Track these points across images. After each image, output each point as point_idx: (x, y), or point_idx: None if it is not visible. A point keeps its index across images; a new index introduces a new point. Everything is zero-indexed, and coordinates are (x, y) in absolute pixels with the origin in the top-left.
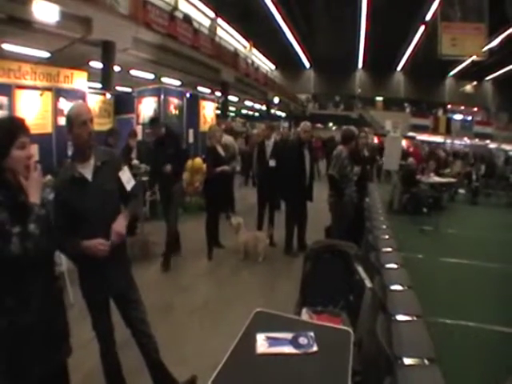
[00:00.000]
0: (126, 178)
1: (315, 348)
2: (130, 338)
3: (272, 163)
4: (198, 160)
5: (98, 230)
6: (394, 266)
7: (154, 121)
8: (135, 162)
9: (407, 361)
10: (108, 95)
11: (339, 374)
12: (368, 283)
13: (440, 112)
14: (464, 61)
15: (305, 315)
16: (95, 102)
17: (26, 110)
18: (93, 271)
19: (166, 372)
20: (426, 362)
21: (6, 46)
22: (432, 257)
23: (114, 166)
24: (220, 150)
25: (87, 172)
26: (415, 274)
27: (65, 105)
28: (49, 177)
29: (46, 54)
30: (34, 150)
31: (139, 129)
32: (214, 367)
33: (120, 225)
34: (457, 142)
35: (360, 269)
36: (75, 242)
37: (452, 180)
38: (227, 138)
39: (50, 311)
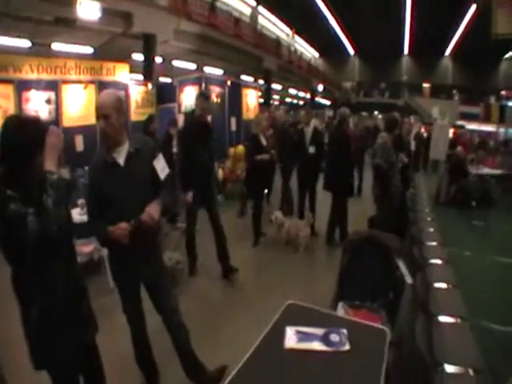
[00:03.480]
0: (161, 167)
1: (347, 347)
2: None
3: (312, 150)
4: (241, 148)
5: (126, 216)
6: (439, 261)
7: (202, 95)
8: (175, 150)
9: (449, 368)
10: (150, 86)
11: (371, 377)
12: (409, 279)
13: (492, 99)
14: None
15: (340, 310)
16: (137, 92)
17: (71, 103)
18: (121, 257)
19: (195, 361)
20: (470, 371)
21: (55, 46)
22: (480, 255)
23: (148, 153)
24: (263, 139)
25: (120, 157)
26: (461, 273)
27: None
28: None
29: (89, 50)
30: (79, 140)
31: (181, 118)
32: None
33: (154, 209)
34: None
35: (401, 263)
36: (102, 227)
37: (505, 172)
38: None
39: (74, 294)
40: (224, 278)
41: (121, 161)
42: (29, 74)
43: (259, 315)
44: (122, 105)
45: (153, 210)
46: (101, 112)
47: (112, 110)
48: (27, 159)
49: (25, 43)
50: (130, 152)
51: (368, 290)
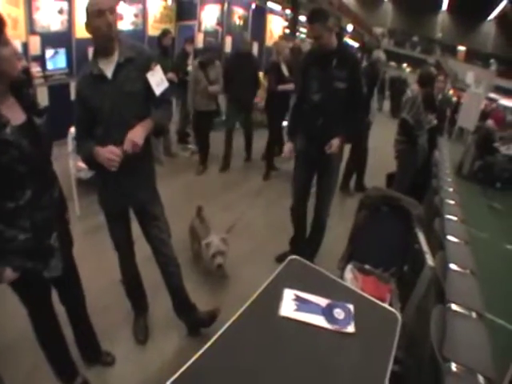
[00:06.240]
0: (156, 80)
1: (351, 328)
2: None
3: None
4: (260, 75)
5: (114, 135)
6: (459, 240)
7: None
8: (191, 68)
9: (456, 368)
10: (169, 0)
11: (375, 369)
12: (430, 260)
13: None
14: None
15: (349, 273)
16: (157, 7)
17: (84, 13)
18: (108, 180)
19: (185, 298)
20: (480, 379)
21: None
22: (498, 240)
23: (140, 64)
24: (284, 68)
25: (108, 69)
26: (475, 256)
27: (125, 9)
28: None
29: None
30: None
31: (200, 36)
32: (241, 302)
33: (136, 133)
34: None
35: (422, 237)
36: (88, 147)
37: None
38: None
39: (42, 226)
40: None
41: (108, 73)
42: None
43: (264, 254)
44: (116, 7)
45: (134, 136)
46: (96, 7)
47: (108, 8)
48: None
49: None
50: (119, 63)
51: (381, 256)
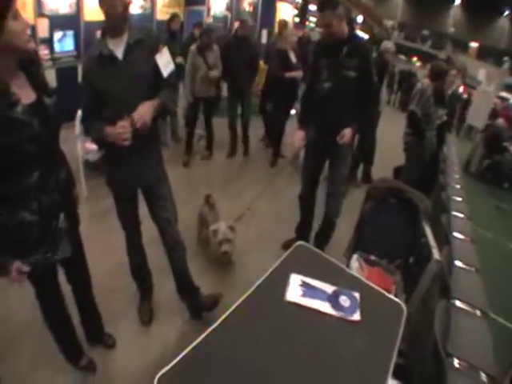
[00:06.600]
0: (164, 62)
1: (357, 316)
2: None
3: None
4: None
5: (124, 117)
6: (465, 238)
7: None
8: None
9: (458, 364)
10: None
11: (380, 357)
12: (436, 254)
13: None
14: None
15: (355, 262)
16: None
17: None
18: (118, 162)
19: (189, 281)
20: (482, 376)
21: None
22: (503, 240)
23: (149, 46)
24: (292, 55)
25: (118, 50)
26: (480, 255)
27: None
28: None
29: None
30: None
31: (209, 21)
32: (247, 287)
33: (144, 108)
34: None
35: (428, 231)
36: (98, 127)
37: None
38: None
39: (52, 208)
40: None
41: (119, 54)
42: None
43: (271, 244)
44: None
45: (143, 110)
46: None
47: None
48: None
49: None
50: (129, 44)
51: (386, 247)
